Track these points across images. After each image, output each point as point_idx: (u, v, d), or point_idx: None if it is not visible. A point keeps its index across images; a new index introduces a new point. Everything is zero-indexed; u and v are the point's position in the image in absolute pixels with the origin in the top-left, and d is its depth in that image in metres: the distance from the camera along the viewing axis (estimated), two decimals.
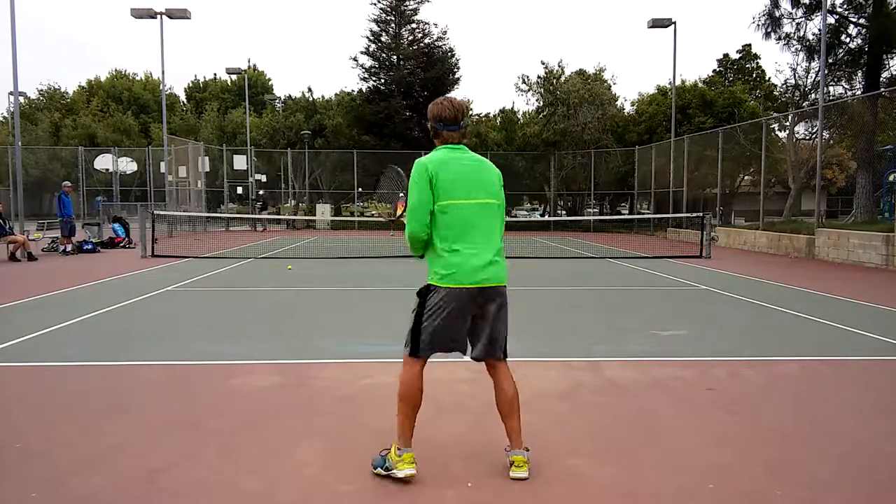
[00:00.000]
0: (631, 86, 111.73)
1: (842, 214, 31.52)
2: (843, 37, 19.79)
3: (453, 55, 36.42)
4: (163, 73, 24.54)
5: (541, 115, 32.82)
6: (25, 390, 4.47)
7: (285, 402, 4.19)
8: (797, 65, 22.54)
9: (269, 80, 56.48)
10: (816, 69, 20.62)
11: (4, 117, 50.20)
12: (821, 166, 16.62)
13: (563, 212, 34.78)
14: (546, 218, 33.10)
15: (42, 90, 53.29)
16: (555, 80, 31.80)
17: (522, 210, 50.14)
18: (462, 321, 3.04)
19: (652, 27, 24.77)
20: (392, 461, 3.01)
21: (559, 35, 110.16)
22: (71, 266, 12.77)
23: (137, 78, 56.16)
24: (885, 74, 19.07)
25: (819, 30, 18.39)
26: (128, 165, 31.89)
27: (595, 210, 35.13)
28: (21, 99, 45.32)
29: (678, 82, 29.42)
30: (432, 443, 3.46)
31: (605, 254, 16.75)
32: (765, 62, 47.43)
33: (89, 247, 16.01)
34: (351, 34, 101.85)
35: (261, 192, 31.52)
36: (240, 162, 31.75)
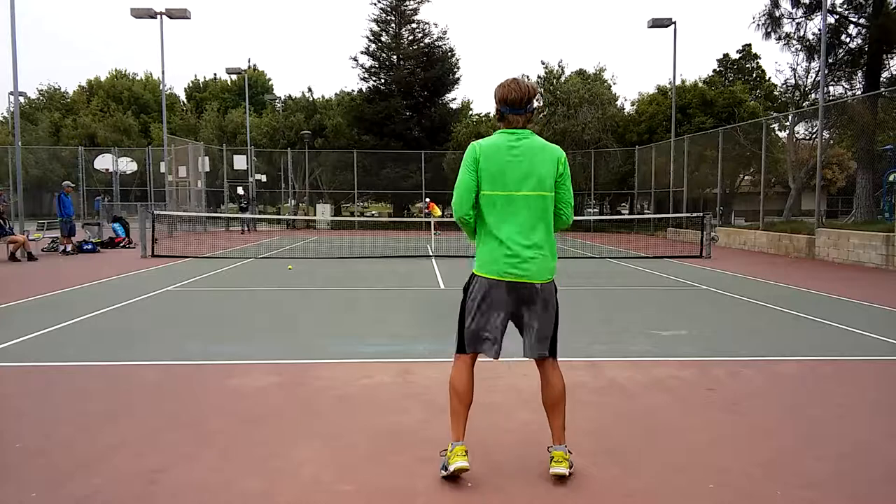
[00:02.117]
0: (631, 86, 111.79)
1: (842, 214, 31.50)
2: (843, 37, 19.78)
3: (453, 55, 36.46)
4: (163, 73, 24.57)
5: (541, 115, 32.80)
6: (25, 390, 4.47)
7: (285, 402, 4.19)
8: (797, 65, 22.52)
9: (269, 80, 56.52)
10: (816, 69, 20.61)
11: (4, 117, 50.25)
12: (821, 166, 16.61)
13: None
14: None
15: (42, 90, 53.46)
16: (555, 80, 31.78)
17: None
18: (496, 315, 2.97)
19: (652, 27, 24.76)
20: (447, 457, 3.00)
21: (559, 35, 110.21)
22: (71, 266, 12.77)
23: (137, 78, 56.17)
24: (885, 74, 19.07)
25: (819, 30, 18.39)
26: (128, 165, 31.93)
27: (595, 210, 35.10)
28: (21, 99, 45.34)
29: (678, 82, 29.42)
30: (432, 443, 3.45)
31: (605, 254, 16.74)
32: (765, 62, 47.48)
33: (89, 247, 16.01)
34: (351, 34, 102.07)
35: (241, 192, 29.31)
36: (240, 162, 31.74)
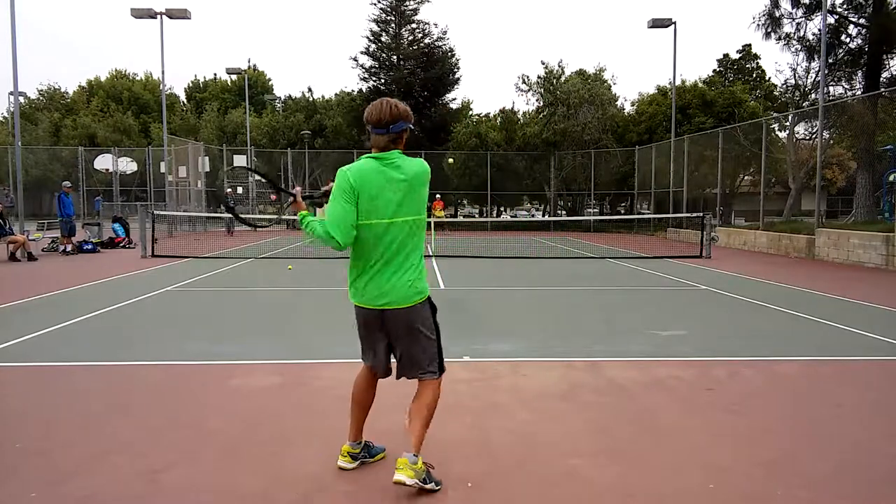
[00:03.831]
0: (631, 86, 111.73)
1: (842, 214, 31.50)
2: (843, 37, 19.80)
3: (453, 55, 36.45)
4: (163, 73, 24.58)
5: (541, 115, 32.80)
6: (25, 390, 4.47)
7: (285, 403, 4.19)
8: (797, 65, 22.53)
9: (269, 80, 56.52)
10: (816, 69, 20.62)
11: (4, 117, 50.22)
12: (821, 166, 16.61)
13: (563, 212, 34.76)
14: (546, 218, 33.08)
15: (42, 90, 53.40)
16: (555, 80, 31.78)
17: (522, 210, 50.11)
18: (373, 340, 3.04)
19: (652, 27, 24.79)
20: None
21: (559, 35, 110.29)
22: (71, 266, 12.77)
23: (137, 78, 56.17)
24: (885, 74, 19.08)
25: (819, 30, 18.40)
26: (128, 165, 31.89)
27: (595, 210, 35.10)
28: (21, 99, 45.35)
29: (678, 82, 29.42)
30: (432, 443, 3.45)
31: (605, 254, 16.73)
32: (765, 62, 47.50)
33: (89, 247, 16.02)
34: (351, 34, 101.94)
35: (228, 191, 28.00)
36: (240, 162, 31.75)
